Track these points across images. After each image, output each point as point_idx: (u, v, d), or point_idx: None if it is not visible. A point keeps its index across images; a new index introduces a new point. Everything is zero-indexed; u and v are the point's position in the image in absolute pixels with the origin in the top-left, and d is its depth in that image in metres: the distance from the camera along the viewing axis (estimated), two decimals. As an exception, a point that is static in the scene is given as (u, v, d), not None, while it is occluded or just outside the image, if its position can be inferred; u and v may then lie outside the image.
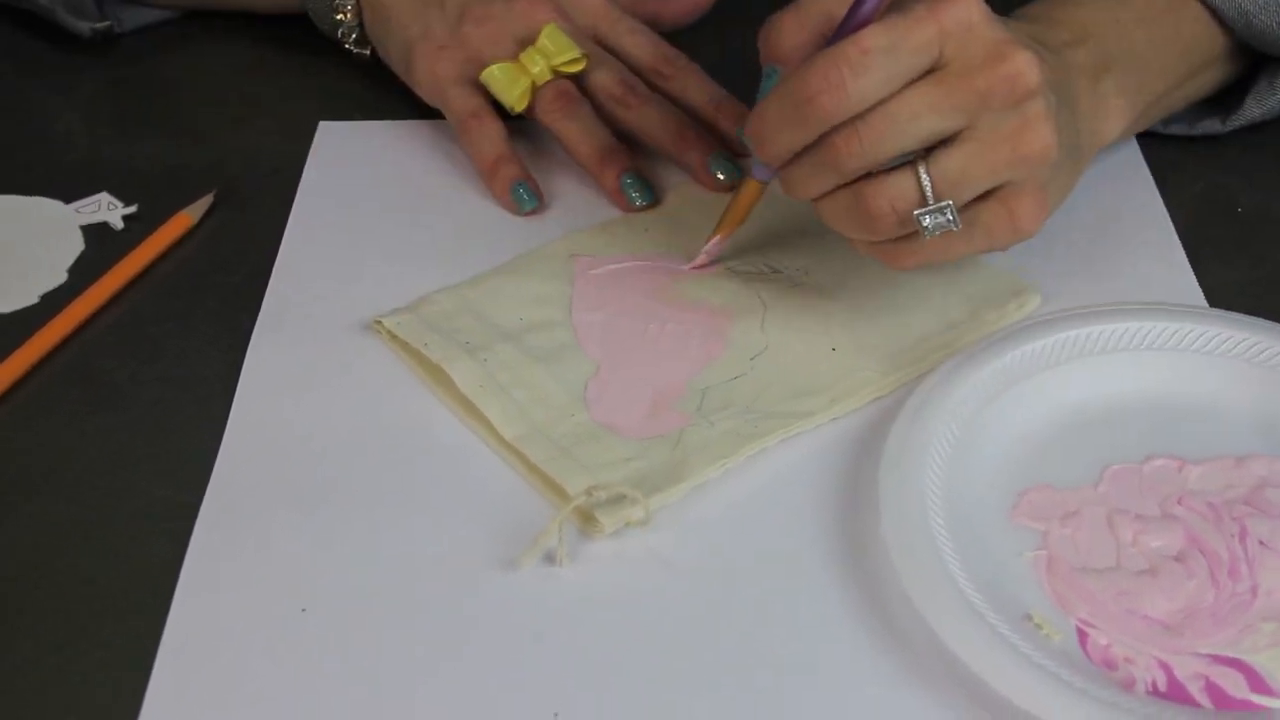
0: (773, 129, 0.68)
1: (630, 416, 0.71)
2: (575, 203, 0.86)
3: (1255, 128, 0.88)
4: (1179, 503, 0.66)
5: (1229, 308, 0.75)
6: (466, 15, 0.87)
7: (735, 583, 0.64)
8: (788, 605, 0.63)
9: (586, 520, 0.66)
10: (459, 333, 0.75)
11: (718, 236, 0.78)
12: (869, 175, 0.67)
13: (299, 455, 0.70)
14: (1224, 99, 0.89)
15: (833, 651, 0.61)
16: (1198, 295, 0.78)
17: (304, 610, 0.63)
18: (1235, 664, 0.60)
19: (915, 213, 0.67)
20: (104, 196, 0.86)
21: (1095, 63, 0.77)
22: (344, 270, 0.80)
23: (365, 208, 0.85)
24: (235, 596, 0.64)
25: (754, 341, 0.75)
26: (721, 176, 0.84)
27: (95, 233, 0.84)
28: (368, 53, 0.93)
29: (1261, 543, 0.64)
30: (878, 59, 0.64)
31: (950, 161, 0.66)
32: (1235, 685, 0.59)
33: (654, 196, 0.84)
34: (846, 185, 0.68)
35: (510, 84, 0.85)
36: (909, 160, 0.66)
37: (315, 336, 0.76)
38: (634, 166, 0.85)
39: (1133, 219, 0.84)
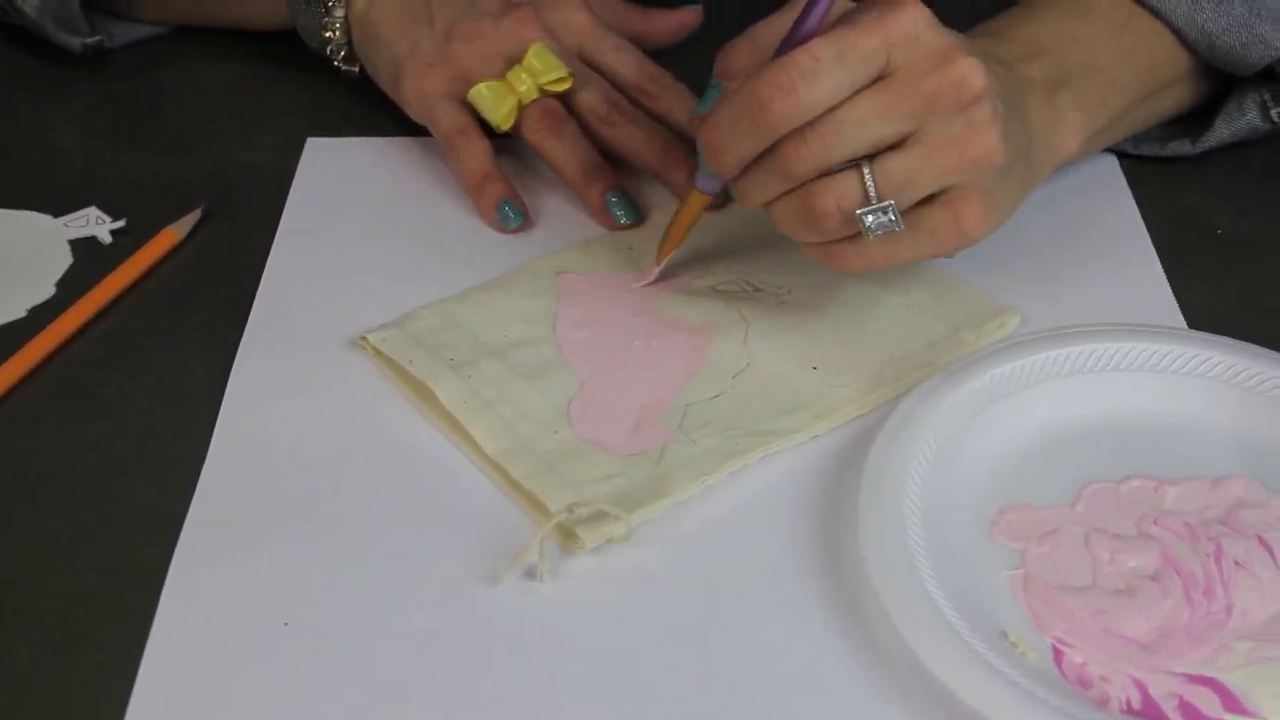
0: (727, 137, 0.68)
1: (613, 433, 0.71)
2: (561, 221, 0.86)
3: (1234, 149, 0.89)
4: (1155, 523, 0.67)
5: (1208, 329, 0.76)
6: (454, 33, 0.87)
7: (716, 598, 0.64)
8: (767, 621, 0.63)
9: (568, 536, 0.66)
10: (444, 348, 0.75)
11: (663, 253, 0.79)
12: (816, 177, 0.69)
13: (284, 468, 0.70)
14: (1194, 120, 0.89)
15: (811, 668, 0.62)
16: (1177, 316, 0.79)
17: (287, 624, 0.63)
18: (1209, 683, 0.60)
19: (858, 212, 0.68)
20: (92, 211, 0.86)
21: (1050, 77, 0.78)
22: (330, 285, 0.81)
23: (352, 223, 0.86)
24: (219, 608, 0.64)
25: (735, 359, 0.76)
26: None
27: (83, 247, 0.84)
28: (356, 70, 0.93)
29: (1237, 563, 0.65)
30: (827, 66, 0.65)
31: (895, 163, 0.68)
32: (1209, 704, 0.60)
33: (639, 215, 0.85)
34: (795, 189, 0.69)
35: (497, 102, 0.86)
36: (856, 163, 0.68)
37: (301, 350, 0.77)
38: (619, 185, 0.85)
39: (1113, 240, 0.84)
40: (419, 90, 0.88)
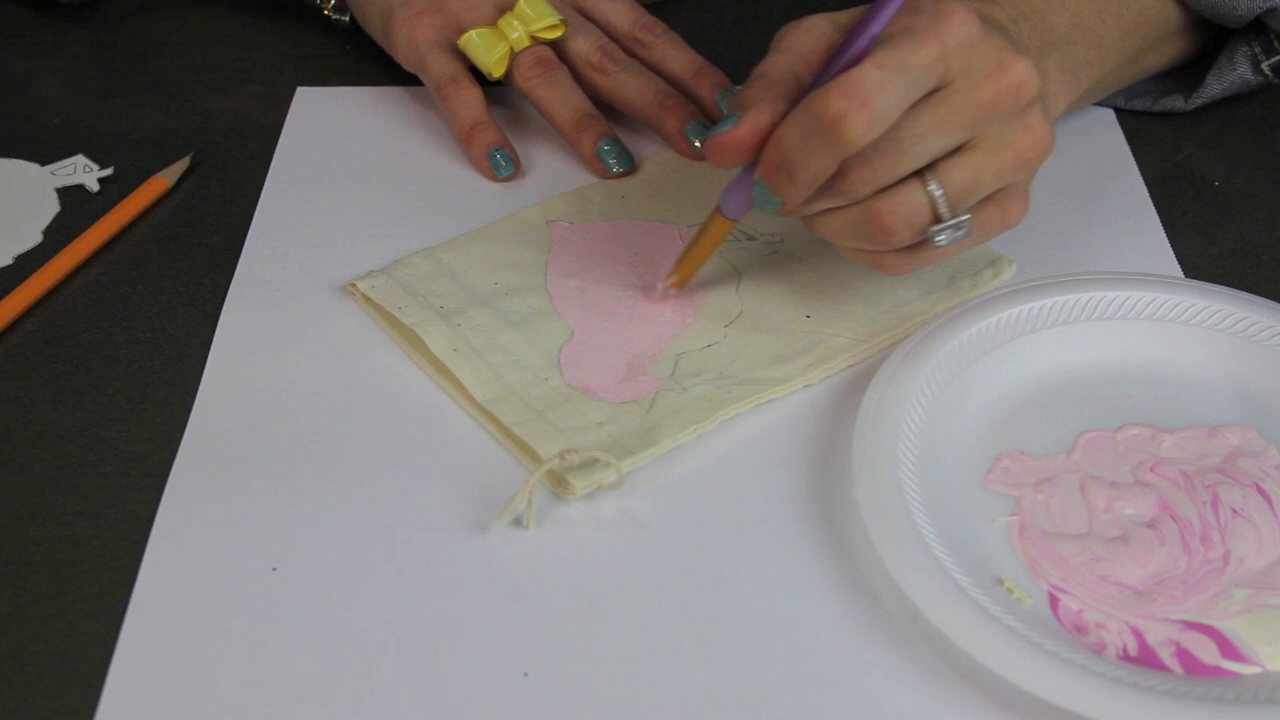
0: (797, 156, 0.64)
1: (604, 381, 0.71)
2: (554, 169, 0.86)
3: (1230, 103, 0.88)
4: (1152, 470, 0.66)
5: (1204, 279, 0.75)
6: None
7: (708, 546, 0.64)
8: (760, 567, 0.63)
9: (559, 484, 0.66)
10: (433, 296, 0.74)
11: (674, 278, 0.75)
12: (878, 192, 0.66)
13: (272, 416, 0.70)
14: (1186, 75, 0.89)
15: (805, 614, 0.61)
16: (1174, 266, 0.78)
17: (275, 569, 0.63)
18: (1206, 630, 0.60)
19: (932, 230, 0.66)
20: (80, 159, 0.85)
21: (1040, 40, 0.77)
22: (319, 234, 0.80)
23: (342, 172, 0.85)
24: (206, 554, 0.63)
25: (728, 308, 0.75)
26: (698, 144, 0.84)
27: (71, 195, 0.84)
28: (346, 19, 0.93)
29: (1234, 510, 0.64)
30: (892, 79, 0.62)
31: (958, 173, 0.66)
32: (1206, 651, 0.59)
33: (631, 163, 0.84)
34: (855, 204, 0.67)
35: (488, 50, 0.85)
36: (919, 173, 0.66)
37: (290, 299, 0.76)
38: (611, 133, 0.84)
39: (1110, 191, 0.84)
40: (409, 38, 0.87)
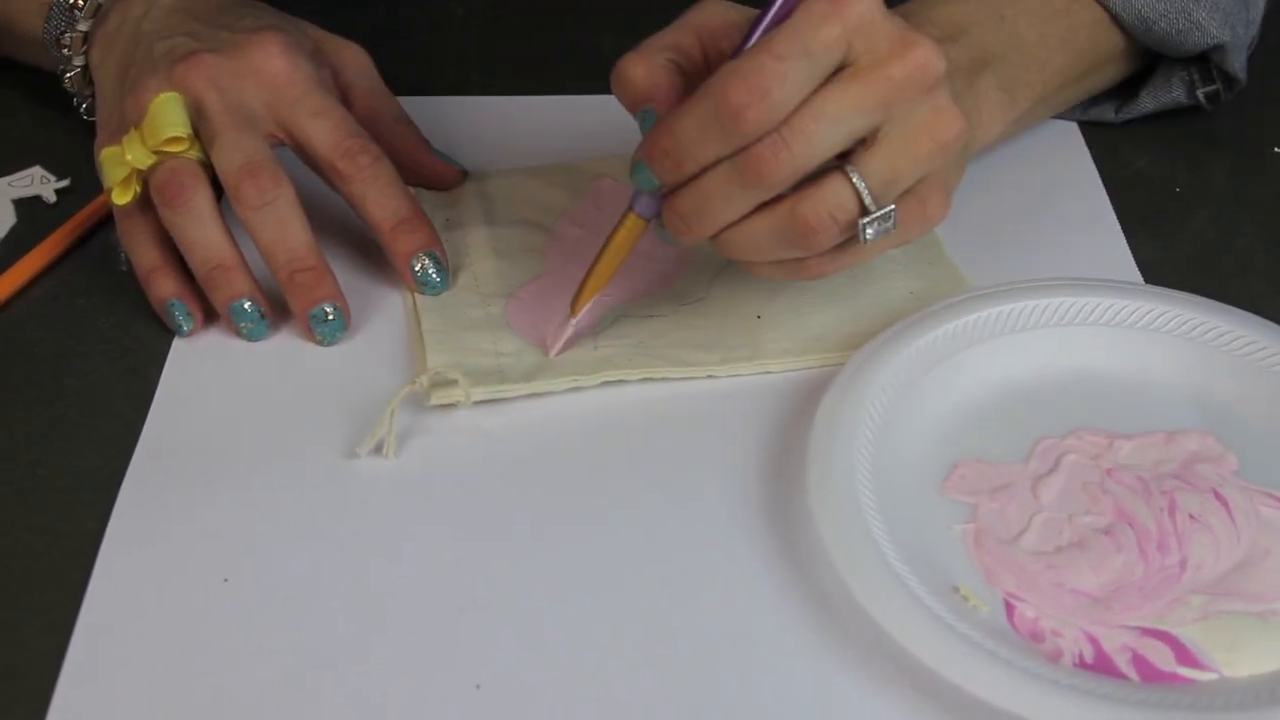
0: (691, 144, 0.63)
1: (534, 320, 0.73)
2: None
3: (1191, 109, 0.89)
4: (1109, 475, 0.66)
5: (1165, 284, 0.75)
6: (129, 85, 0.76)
7: (660, 553, 0.64)
8: (714, 574, 0.63)
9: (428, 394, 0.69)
10: (448, 209, 0.81)
11: (584, 297, 0.71)
12: (796, 190, 0.65)
13: (225, 428, 0.69)
14: (1119, 87, 0.89)
15: (759, 622, 0.61)
16: (1134, 272, 0.78)
17: (226, 580, 0.62)
18: (1163, 636, 0.60)
19: (862, 222, 0.65)
20: (37, 170, 0.85)
21: (970, 59, 0.76)
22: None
23: (300, 182, 0.84)
24: (157, 566, 0.63)
25: (694, 290, 0.76)
26: (321, 338, 0.74)
27: (27, 206, 0.83)
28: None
29: (1191, 516, 0.64)
30: (794, 64, 0.61)
31: (876, 162, 0.64)
32: (1162, 658, 0.59)
33: (266, 329, 0.74)
34: (766, 206, 0.65)
35: (110, 171, 0.74)
36: (831, 168, 0.64)
37: (247, 310, 0.75)
38: (242, 294, 0.73)
39: (1071, 197, 0.84)
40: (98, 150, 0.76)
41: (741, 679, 0.59)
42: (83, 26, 0.81)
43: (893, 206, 0.65)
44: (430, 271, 0.75)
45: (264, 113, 0.75)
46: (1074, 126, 0.89)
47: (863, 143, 0.64)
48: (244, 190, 0.72)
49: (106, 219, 0.82)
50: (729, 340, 0.73)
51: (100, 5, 0.81)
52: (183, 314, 0.73)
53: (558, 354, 0.72)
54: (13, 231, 0.81)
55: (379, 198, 0.75)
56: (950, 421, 0.69)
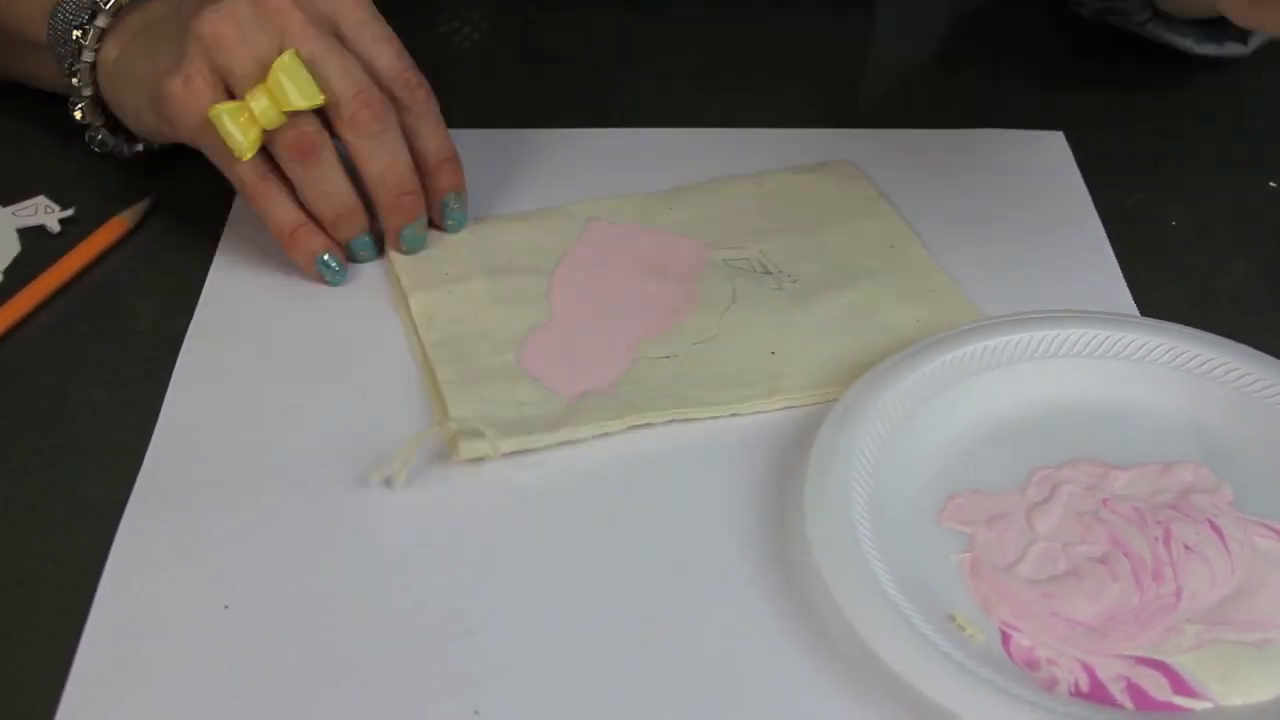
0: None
1: (554, 367, 0.73)
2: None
3: (1187, 143, 0.89)
4: (1105, 505, 0.66)
5: (1160, 317, 0.76)
6: (202, 30, 0.76)
7: (658, 583, 0.64)
8: (712, 604, 0.63)
9: (453, 446, 0.69)
10: (447, 262, 0.80)
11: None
12: None
13: (226, 456, 0.70)
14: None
15: (757, 651, 0.61)
16: (1130, 305, 0.79)
17: (227, 607, 0.62)
18: (1158, 665, 0.60)
19: None
20: (41, 200, 0.85)
21: None
22: (280, 277, 0.80)
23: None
24: (158, 592, 0.63)
25: (705, 328, 0.76)
26: (406, 249, 0.80)
27: (32, 235, 0.84)
28: (99, 138, 0.86)
29: (1187, 546, 0.64)
30: None
31: None
32: (1157, 686, 0.59)
33: (345, 275, 0.79)
34: None
35: (237, 130, 0.75)
36: None
37: (248, 340, 0.76)
38: (329, 246, 0.79)
39: (1067, 230, 0.84)
40: (191, 108, 0.76)
41: (739, 706, 0.59)
42: (101, 22, 0.81)
43: None
44: (456, 210, 0.81)
45: (331, 29, 0.77)
46: (1069, 158, 0.89)
47: None
48: (361, 119, 0.76)
49: (110, 249, 0.82)
50: (747, 377, 0.73)
51: (122, 5, 0.82)
52: (337, 264, 0.79)
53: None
54: (16, 260, 0.82)
55: (430, 132, 0.80)
56: (947, 452, 0.69)
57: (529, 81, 0.99)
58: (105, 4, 0.81)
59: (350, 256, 0.80)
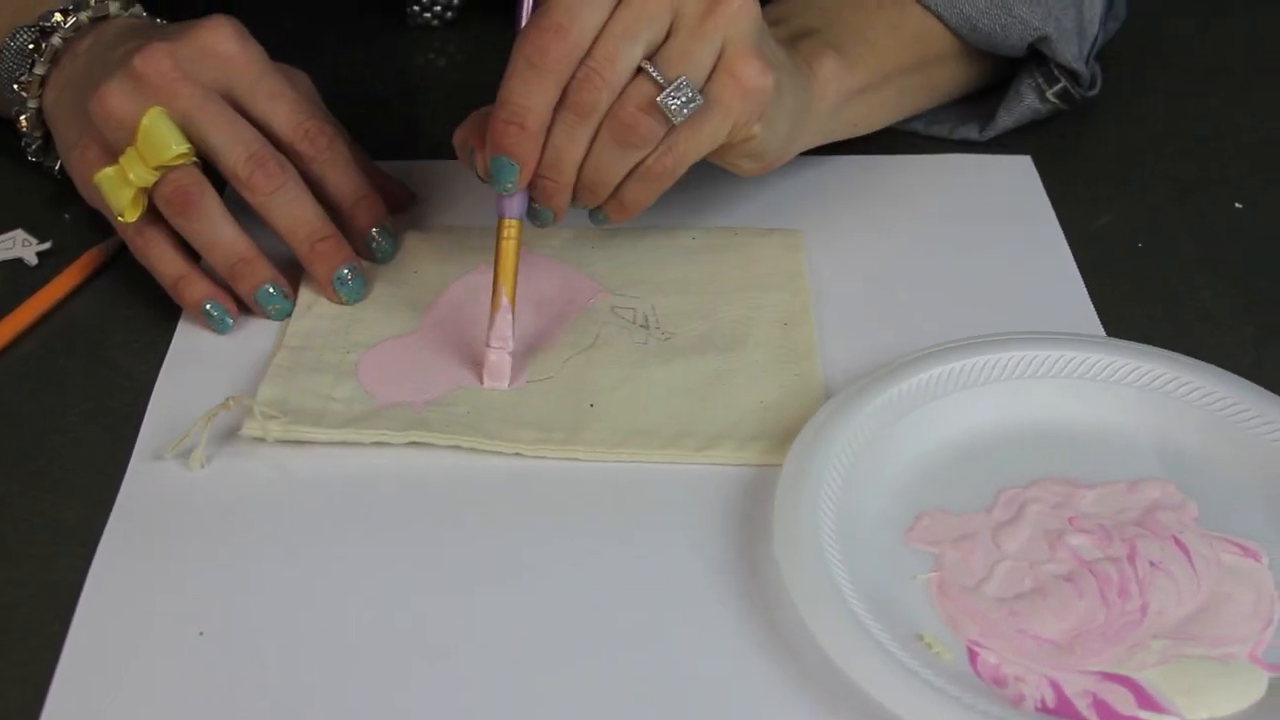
0: (521, 98, 0.69)
1: (379, 375, 0.75)
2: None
3: (1154, 161, 0.91)
4: (1071, 524, 0.67)
5: (1126, 337, 0.77)
6: (91, 99, 0.78)
7: (626, 603, 0.64)
8: (679, 624, 0.64)
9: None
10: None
11: (505, 303, 0.74)
12: None
13: (202, 484, 0.70)
14: (984, 105, 0.92)
15: (725, 671, 0.62)
16: (1097, 326, 0.79)
17: (201, 633, 0.63)
18: (1124, 681, 0.61)
19: (658, 99, 0.70)
20: (19, 233, 0.86)
21: (790, 33, 0.82)
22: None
23: (279, 245, 0.85)
24: (134, 619, 0.64)
25: (545, 369, 0.76)
26: (344, 298, 0.80)
27: (9, 269, 0.84)
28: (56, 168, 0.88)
29: (1152, 563, 0.65)
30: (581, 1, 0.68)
31: (668, 49, 0.70)
32: (1123, 701, 0.60)
33: (290, 307, 0.80)
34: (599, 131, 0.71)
35: (114, 192, 0.77)
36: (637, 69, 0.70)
37: (223, 371, 0.77)
38: (272, 278, 0.79)
39: (1034, 252, 0.85)
40: (82, 177, 0.80)
41: (707, 726, 0.60)
42: (39, 70, 0.84)
43: (683, 77, 0.70)
44: (382, 244, 0.82)
45: (220, 94, 0.78)
46: (1035, 177, 0.90)
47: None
48: (256, 181, 0.77)
49: (87, 281, 0.83)
50: (551, 422, 0.72)
51: (57, 51, 0.84)
52: (220, 312, 0.78)
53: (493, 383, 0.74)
54: (-6, 293, 0.83)
55: (339, 176, 0.80)
56: (914, 473, 0.70)
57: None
58: (40, 54, 0.83)
59: (260, 311, 0.79)
